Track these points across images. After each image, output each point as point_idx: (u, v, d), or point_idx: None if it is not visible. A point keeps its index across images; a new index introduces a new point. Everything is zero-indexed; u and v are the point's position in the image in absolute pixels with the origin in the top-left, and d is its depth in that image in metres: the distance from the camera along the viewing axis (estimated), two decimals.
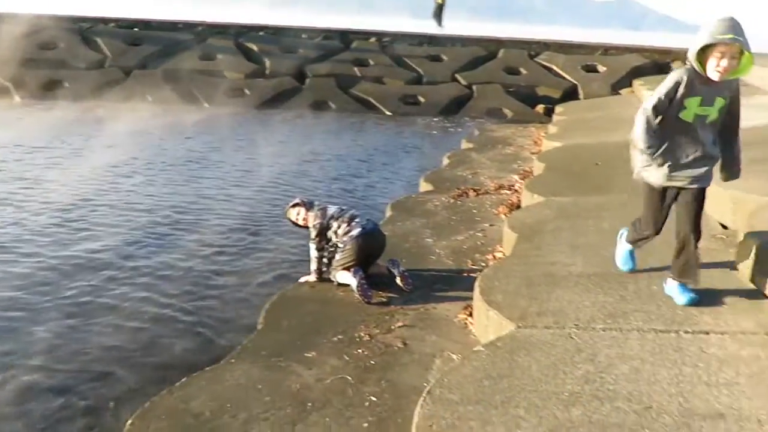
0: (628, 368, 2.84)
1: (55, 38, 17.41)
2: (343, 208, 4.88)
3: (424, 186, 8.08)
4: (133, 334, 4.41)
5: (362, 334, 3.92)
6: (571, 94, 16.36)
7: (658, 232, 3.55)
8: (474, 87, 16.47)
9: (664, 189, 3.41)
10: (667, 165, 3.32)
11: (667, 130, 3.27)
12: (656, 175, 3.38)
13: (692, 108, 3.19)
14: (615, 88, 16.22)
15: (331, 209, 4.80)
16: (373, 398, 3.24)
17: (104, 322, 4.57)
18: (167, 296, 5.00)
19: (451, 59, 17.82)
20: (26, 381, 3.80)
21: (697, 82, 3.15)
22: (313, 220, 4.73)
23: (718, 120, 3.27)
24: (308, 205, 4.86)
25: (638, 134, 3.29)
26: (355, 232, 4.60)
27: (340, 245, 4.62)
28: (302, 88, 16.30)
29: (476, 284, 3.97)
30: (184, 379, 3.45)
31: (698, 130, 3.25)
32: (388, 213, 6.75)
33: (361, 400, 3.23)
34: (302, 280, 4.82)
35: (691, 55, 3.10)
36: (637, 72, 16.72)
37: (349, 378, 3.43)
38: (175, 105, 15.00)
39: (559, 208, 5.52)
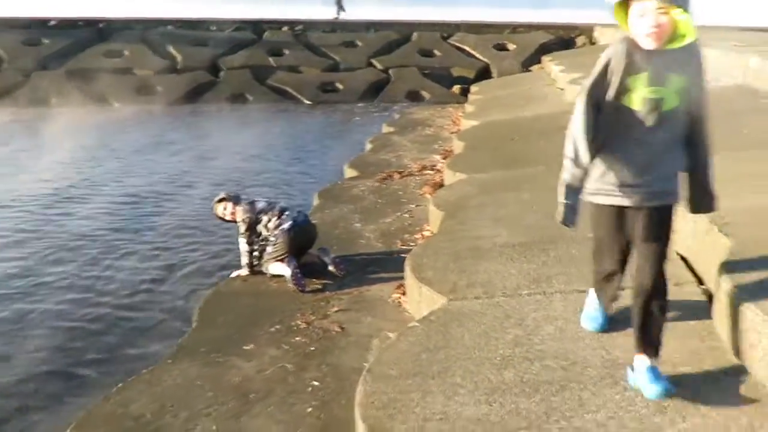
0: (554, 328, 3.01)
1: None
2: (272, 201, 4.87)
3: (349, 172, 8.13)
4: (63, 339, 4.30)
5: (299, 322, 3.95)
6: (484, 74, 16.77)
7: (619, 268, 2.65)
8: (390, 71, 16.60)
9: (618, 210, 2.44)
10: (611, 173, 2.38)
11: (609, 125, 2.35)
12: (595, 187, 2.44)
13: (638, 89, 2.27)
14: (525, 65, 16.74)
15: (260, 203, 4.78)
16: (315, 383, 3.29)
17: (33, 328, 4.47)
18: (95, 301, 4.87)
19: (366, 45, 17.86)
20: None
21: (638, 53, 2.25)
22: (242, 214, 4.70)
23: (681, 108, 2.29)
24: (235, 200, 4.82)
25: (576, 129, 2.37)
26: (286, 225, 4.61)
27: (271, 239, 4.62)
28: (217, 81, 15.94)
29: (407, 263, 4.07)
30: (120, 385, 3.38)
31: (652, 122, 2.29)
32: (316, 201, 6.77)
33: (304, 386, 3.27)
34: (234, 274, 4.79)
35: (614, 16, 2.28)
36: (545, 48, 17.34)
37: (290, 366, 3.46)
38: (82, 106, 14.36)
39: (480, 184, 5.71)
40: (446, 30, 18.68)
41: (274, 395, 3.20)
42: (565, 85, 10.27)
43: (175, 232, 6.39)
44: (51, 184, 8.24)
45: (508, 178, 5.79)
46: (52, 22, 17.96)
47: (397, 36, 18.38)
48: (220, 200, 4.85)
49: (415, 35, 18.41)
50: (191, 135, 11.56)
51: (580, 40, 18.11)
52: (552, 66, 12.33)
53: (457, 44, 18.01)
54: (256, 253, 4.74)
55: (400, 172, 7.65)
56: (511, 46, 17.82)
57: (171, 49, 16.98)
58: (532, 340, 2.94)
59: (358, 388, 2.72)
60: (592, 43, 17.75)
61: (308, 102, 15.22)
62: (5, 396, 3.66)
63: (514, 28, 18.88)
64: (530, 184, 5.42)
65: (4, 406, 3.56)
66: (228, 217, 4.83)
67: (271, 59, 16.86)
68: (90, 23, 18.15)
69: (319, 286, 4.48)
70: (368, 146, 9.62)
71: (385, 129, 10.98)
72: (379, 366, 2.85)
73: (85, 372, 3.91)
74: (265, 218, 4.69)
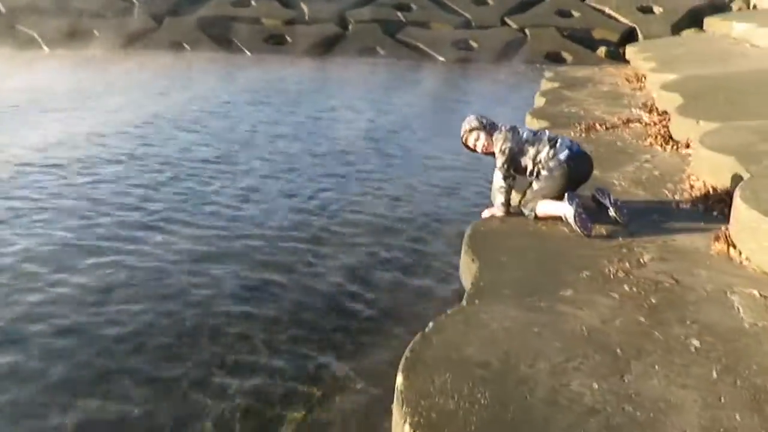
0: None
1: None
2: (535, 130, 4.13)
3: (533, 122, 7.32)
4: (335, 278, 3.79)
5: (612, 269, 3.24)
6: (629, 37, 15.44)
7: None
8: (527, 31, 15.55)
9: None
10: None
11: None
12: None
13: None
14: (675, 29, 15.31)
15: (524, 132, 4.06)
16: (695, 342, 2.57)
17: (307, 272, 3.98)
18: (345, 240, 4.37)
19: (498, 3, 16.82)
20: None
21: None
22: (501, 143, 3.99)
23: None
24: (490, 128, 4.11)
25: None
26: (563, 155, 3.88)
27: (543, 172, 3.90)
28: (346, 34, 15.37)
29: (739, 209, 3.29)
30: (431, 324, 2.78)
31: None
32: None
33: (682, 345, 2.56)
34: (486, 213, 4.12)
35: None
36: (695, 12, 15.80)
37: (642, 319, 2.76)
38: (213, 53, 14.15)
39: (753, 132, 4.80)
40: None
41: (648, 353, 2.51)
42: (765, 42, 9.06)
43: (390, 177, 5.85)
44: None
45: None
46: None
47: None
48: (472, 129, 4.15)
49: None
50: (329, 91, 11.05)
51: (736, 4, 16.39)
52: (735, 25, 11.00)
53: (597, 6, 16.69)
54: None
55: (602, 125, 6.79)
56: (658, 9, 16.35)
57: (299, 1, 16.52)
58: None
59: None
60: (750, 8, 16.02)
61: (442, 59, 14.42)
62: (293, 333, 3.16)
63: None
64: None
65: (294, 340, 3.08)
66: (480, 149, 4.14)
67: (399, 14, 16.13)
68: None
69: (604, 232, 3.75)
70: (540, 100, 8.75)
71: (547, 86, 10.05)
72: None
73: (368, 308, 3.40)
74: (531, 150, 3.96)
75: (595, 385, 2.31)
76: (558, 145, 3.94)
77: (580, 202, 3.75)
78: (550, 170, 3.88)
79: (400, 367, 2.47)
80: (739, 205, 3.36)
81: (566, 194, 3.77)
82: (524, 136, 4.03)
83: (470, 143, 4.17)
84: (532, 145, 3.98)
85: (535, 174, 3.96)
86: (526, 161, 3.99)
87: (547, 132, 4.11)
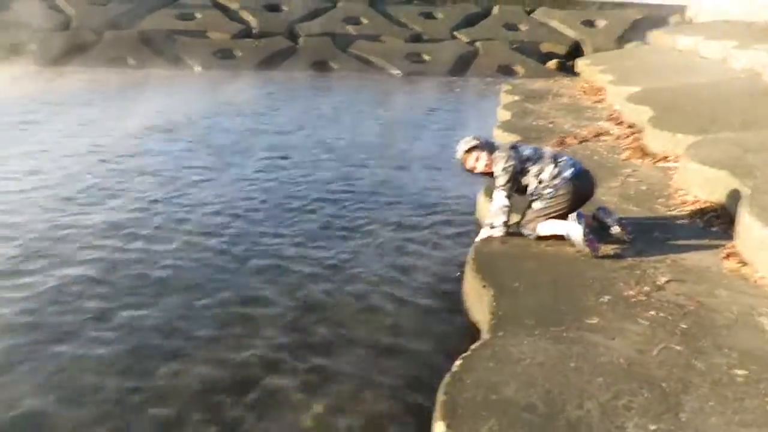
0: None
1: None
2: (536, 147, 3.99)
3: (503, 136, 7.26)
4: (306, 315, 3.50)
5: (632, 293, 3.12)
6: (575, 50, 15.80)
7: None
8: (477, 44, 15.67)
9: None
10: None
11: None
12: None
13: None
14: (620, 42, 15.77)
15: (525, 149, 3.91)
16: (739, 372, 2.46)
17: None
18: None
19: (446, 16, 16.92)
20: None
21: None
22: (504, 162, 3.82)
23: None
24: (488, 147, 3.95)
25: None
26: (568, 173, 3.75)
27: (547, 191, 3.77)
28: (297, 47, 15.10)
29: (750, 227, 3.24)
30: (458, 362, 2.57)
31: None
32: None
33: (728, 376, 2.44)
34: (484, 235, 3.95)
35: None
36: (637, 25, 16.36)
37: (678, 348, 2.63)
38: (162, 69, 13.60)
39: (734, 144, 4.84)
40: (528, 4, 17.69)
41: (696, 387, 2.37)
42: (714, 54, 9.36)
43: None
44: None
45: (762, 139, 4.92)
46: None
47: (476, 9, 17.42)
48: (471, 149, 3.95)
49: (496, 9, 17.42)
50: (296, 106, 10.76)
51: (675, 18, 17.03)
52: (681, 38, 11.33)
53: (543, 20, 17.02)
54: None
55: (574, 137, 6.78)
56: (601, 23, 16.81)
57: (245, 14, 16.15)
58: None
59: None
60: (687, 22, 16.67)
61: (395, 72, 14.34)
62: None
63: (601, 5, 17.86)
64: None
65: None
66: (480, 169, 3.95)
67: (349, 27, 15.98)
68: None
69: (611, 252, 3.64)
70: (505, 114, 8.72)
71: (508, 98, 10.05)
72: None
73: (387, 351, 3.15)
74: (534, 168, 3.82)
75: (652, 426, 2.15)
76: (562, 163, 3.81)
77: (587, 222, 3.63)
78: (555, 188, 3.75)
79: (437, 413, 2.26)
80: (750, 223, 3.31)
81: (575, 213, 3.64)
82: (525, 153, 3.89)
83: (469, 164, 3.98)
84: (535, 163, 3.85)
85: (537, 193, 3.83)
86: (529, 179, 3.84)
87: (547, 149, 3.98)
